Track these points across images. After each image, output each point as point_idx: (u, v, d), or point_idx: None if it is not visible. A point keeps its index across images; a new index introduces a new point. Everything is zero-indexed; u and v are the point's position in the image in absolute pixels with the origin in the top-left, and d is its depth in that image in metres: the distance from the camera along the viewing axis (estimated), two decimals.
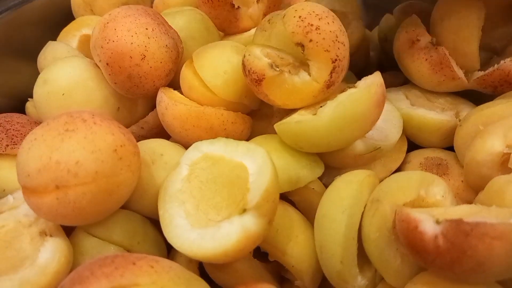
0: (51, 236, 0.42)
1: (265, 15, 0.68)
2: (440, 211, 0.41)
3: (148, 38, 0.52)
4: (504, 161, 0.45)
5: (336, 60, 0.47)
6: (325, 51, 0.47)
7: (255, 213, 0.39)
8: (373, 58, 0.79)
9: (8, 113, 0.60)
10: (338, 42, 0.47)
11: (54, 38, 0.71)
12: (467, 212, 0.40)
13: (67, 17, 0.76)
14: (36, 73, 0.72)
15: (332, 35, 0.47)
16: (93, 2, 0.73)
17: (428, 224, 0.37)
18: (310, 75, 0.48)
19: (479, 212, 0.40)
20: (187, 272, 0.37)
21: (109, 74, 0.53)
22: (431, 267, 0.38)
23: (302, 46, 0.47)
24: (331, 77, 0.48)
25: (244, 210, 0.39)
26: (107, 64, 0.52)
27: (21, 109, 0.70)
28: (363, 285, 0.44)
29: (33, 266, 0.39)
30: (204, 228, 0.40)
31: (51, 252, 0.40)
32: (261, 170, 0.41)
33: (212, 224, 0.40)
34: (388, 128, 0.56)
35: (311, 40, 0.46)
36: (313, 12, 0.47)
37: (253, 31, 0.67)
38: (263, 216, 0.39)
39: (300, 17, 0.47)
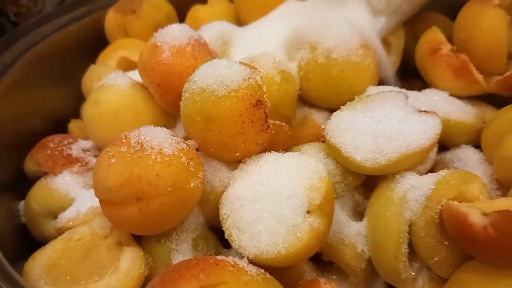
0: (127, 245, 0.45)
1: None
2: (483, 204, 0.45)
3: (196, 59, 0.56)
4: None
5: None
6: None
7: (319, 214, 0.42)
8: None
9: (60, 134, 0.64)
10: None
11: (89, 61, 0.74)
12: (506, 204, 0.44)
13: (101, 40, 0.79)
14: (73, 96, 0.76)
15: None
16: (127, 25, 0.77)
17: (476, 217, 0.41)
18: None
19: None
20: (261, 271, 0.41)
21: (160, 94, 0.56)
22: (483, 256, 0.41)
23: None
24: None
25: (308, 212, 0.42)
26: (159, 85, 0.55)
27: (58, 131, 0.69)
28: (412, 277, 0.48)
29: (117, 273, 0.42)
30: (272, 231, 0.43)
31: (131, 260, 0.43)
32: (319, 175, 0.44)
33: (282, 227, 0.43)
34: None
35: None
36: None
37: None
38: (326, 216, 0.43)
39: None
